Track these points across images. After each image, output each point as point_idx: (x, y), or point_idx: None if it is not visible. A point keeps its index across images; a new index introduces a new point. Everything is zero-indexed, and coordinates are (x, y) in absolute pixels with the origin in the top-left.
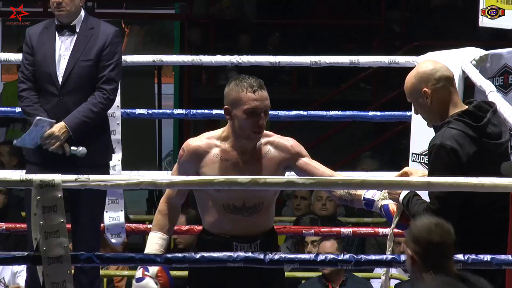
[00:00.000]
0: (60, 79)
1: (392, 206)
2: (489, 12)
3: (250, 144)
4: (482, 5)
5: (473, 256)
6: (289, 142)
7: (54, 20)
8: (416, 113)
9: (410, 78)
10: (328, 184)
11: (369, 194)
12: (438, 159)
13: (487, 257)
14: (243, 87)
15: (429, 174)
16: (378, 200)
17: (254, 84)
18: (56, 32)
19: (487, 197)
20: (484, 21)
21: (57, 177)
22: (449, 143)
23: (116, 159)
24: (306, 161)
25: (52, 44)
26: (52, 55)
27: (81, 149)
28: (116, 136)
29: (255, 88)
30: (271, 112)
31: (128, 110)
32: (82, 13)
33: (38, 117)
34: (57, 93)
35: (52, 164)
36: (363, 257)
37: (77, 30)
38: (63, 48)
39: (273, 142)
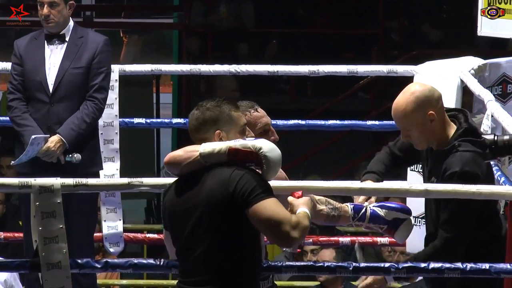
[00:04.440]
0: (51, 87)
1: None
2: (489, 12)
3: None
4: (481, 6)
5: (471, 264)
6: None
7: (43, 30)
8: (407, 139)
9: (409, 104)
10: (326, 190)
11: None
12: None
13: (485, 266)
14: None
15: (451, 202)
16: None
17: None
18: (46, 41)
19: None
20: (483, 30)
21: (56, 182)
22: (468, 168)
23: (115, 168)
24: None
25: (42, 53)
26: (41, 63)
27: (76, 156)
28: (115, 145)
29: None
30: None
31: (127, 120)
32: (71, 22)
33: (33, 136)
34: (48, 101)
35: (43, 174)
36: (361, 264)
37: (67, 39)
38: (53, 56)
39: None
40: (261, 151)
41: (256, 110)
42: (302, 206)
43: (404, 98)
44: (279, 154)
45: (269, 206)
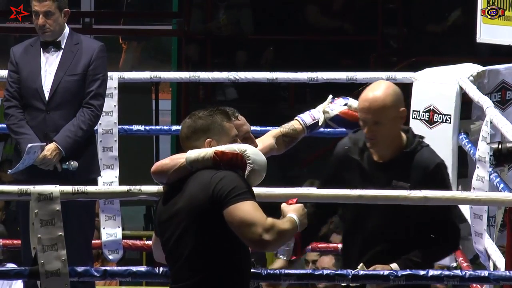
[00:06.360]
0: (46, 95)
1: (344, 110)
2: (489, 12)
3: None
4: (481, 6)
5: (470, 272)
6: None
7: (39, 37)
8: (371, 134)
9: (387, 96)
10: (324, 197)
11: (307, 119)
12: (447, 176)
13: (485, 273)
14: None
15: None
16: (320, 119)
17: None
18: (41, 49)
19: None
20: (482, 37)
21: (55, 190)
22: (442, 159)
23: (114, 175)
24: None
25: (38, 61)
26: (37, 71)
27: (73, 163)
28: (114, 152)
29: None
30: (268, 127)
31: (126, 127)
32: (67, 29)
33: (29, 145)
34: (44, 108)
35: (40, 182)
36: (360, 271)
37: (62, 46)
38: (49, 64)
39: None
40: (246, 152)
41: (237, 118)
42: (291, 213)
43: (382, 90)
44: (264, 159)
45: (244, 208)
